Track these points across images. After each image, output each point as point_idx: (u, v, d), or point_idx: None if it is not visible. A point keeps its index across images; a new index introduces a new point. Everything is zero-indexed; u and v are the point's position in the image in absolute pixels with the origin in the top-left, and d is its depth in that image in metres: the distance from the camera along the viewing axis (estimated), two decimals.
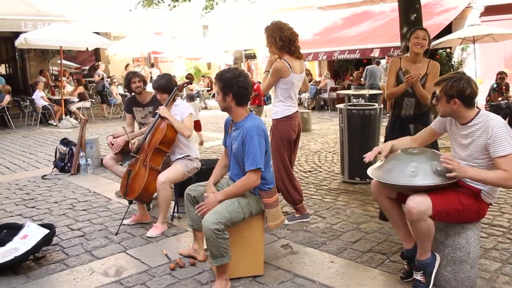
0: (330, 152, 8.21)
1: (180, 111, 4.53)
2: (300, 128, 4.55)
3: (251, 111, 3.44)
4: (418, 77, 4.09)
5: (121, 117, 14.46)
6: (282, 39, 4.31)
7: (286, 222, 4.45)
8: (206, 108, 17.17)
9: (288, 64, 4.32)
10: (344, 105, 6.16)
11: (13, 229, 4.06)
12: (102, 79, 15.69)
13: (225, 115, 3.53)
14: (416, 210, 2.83)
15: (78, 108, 13.90)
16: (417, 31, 4.24)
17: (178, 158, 4.54)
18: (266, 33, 4.39)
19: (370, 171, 3.16)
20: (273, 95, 4.62)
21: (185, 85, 5.13)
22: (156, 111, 4.56)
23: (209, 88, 19.02)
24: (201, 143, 9.10)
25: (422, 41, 4.18)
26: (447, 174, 2.79)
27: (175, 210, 4.77)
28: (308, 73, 17.72)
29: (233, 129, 3.42)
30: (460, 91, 2.89)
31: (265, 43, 4.46)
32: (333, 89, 15.20)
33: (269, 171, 3.40)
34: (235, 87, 3.27)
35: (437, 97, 2.99)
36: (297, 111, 4.51)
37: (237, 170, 3.40)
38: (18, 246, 3.77)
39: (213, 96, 19.05)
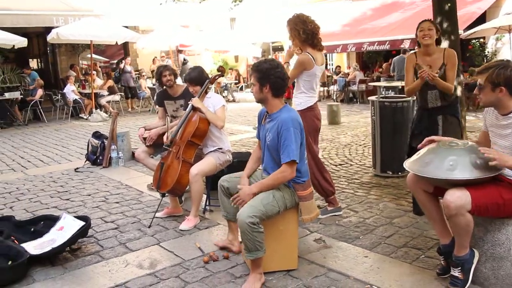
0: (360, 145, 8.11)
1: (212, 103, 4.53)
2: (321, 117, 4.58)
3: (285, 103, 3.41)
4: (433, 76, 3.98)
5: (149, 110, 14.60)
6: (306, 32, 4.29)
7: (319, 216, 4.41)
8: (234, 101, 17.17)
9: (312, 57, 4.32)
10: (376, 97, 6.07)
11: (49, 221, 4.17)
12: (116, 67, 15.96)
13: (254, 107, 3.52)
14: (455, 205, 2.75)
15: (108, 102, 14.12)
16: (421, 24, 4.16)
17: (211, 151, 4.55)
18: (289, 26, 4.38)
19: (407, 164, 3.08)
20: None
21: (217, 77, 5.13)
22: (188, 103, 4.58)
23: (237, 81, 19.02)
24: None
25: (428, 32, 4.09)
26: (489, 163, 2.69)
27: (207, 203, 4.78)
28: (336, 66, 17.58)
29: (267, 120, 3.40)
30: (507, 78, 2.78)
31: (288, 36, 4.45)
32: (362, 81, 15.01)
33: (304, 164, 3.37)
34: (272, 78, 3.25)
35: (480, 86, 2.89)
36: (317, 101, 4.54)
37: (271, 162, 3.38)
38: (55, 237, 3.86)
39: (241, 89, 19.08)
